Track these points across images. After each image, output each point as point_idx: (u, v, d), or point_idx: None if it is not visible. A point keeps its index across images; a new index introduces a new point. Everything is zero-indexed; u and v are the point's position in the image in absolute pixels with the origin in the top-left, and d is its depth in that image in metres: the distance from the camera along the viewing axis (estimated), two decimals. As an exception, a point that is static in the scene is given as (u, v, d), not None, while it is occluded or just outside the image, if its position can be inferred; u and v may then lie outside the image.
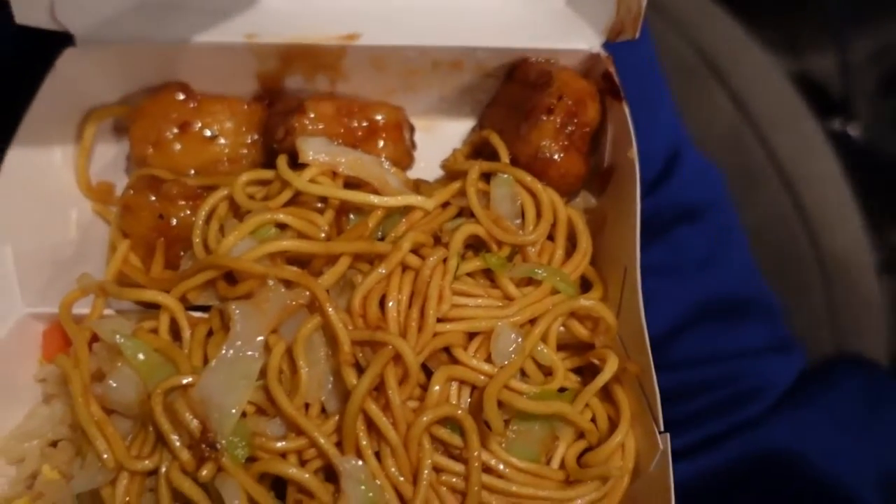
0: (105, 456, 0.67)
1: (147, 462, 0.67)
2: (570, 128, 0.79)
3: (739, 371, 0.97)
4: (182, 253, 0.82)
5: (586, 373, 0.76)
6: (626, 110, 0.79)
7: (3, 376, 0.76)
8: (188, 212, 0.81)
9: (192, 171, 0.87)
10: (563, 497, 0.67)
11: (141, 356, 0.70)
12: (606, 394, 0.74)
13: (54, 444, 0.76)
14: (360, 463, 0.64)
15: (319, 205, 0.78)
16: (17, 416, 0.78)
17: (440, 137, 0.93)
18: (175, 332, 0.74)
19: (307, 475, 0.64)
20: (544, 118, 0.79)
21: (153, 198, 0.81)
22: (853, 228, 1.34)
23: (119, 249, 0.80)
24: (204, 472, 0.63)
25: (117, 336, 0.70)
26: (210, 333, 0.73)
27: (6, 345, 0.77)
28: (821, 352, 1.22)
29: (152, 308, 0.77)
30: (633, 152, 0.76)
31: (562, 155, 0.79)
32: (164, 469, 0.66)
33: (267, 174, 0.81)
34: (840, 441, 0.93)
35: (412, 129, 0.89)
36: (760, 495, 0.87)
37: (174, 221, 0.81)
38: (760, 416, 0.92)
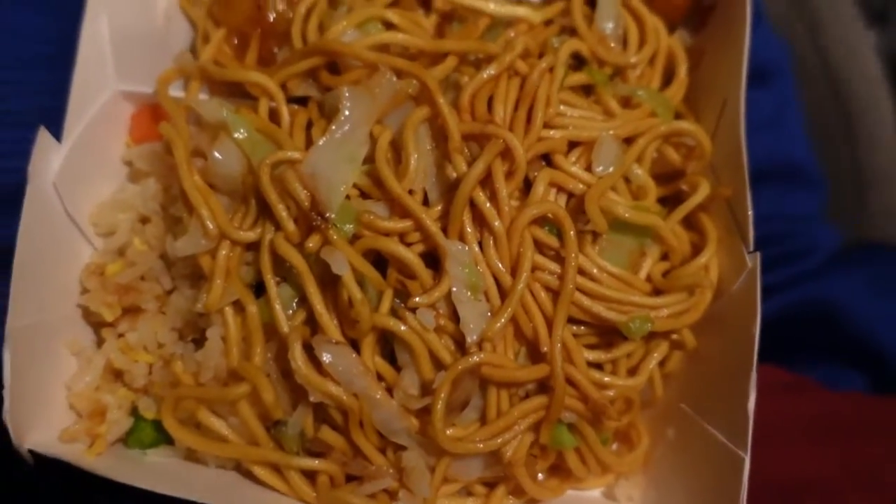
0: (209, 223, 0.68)
1: (250, 233, 0.68)
2: (681, -45, 0.78)
3: (792, 230, 1.00)
4: (276, 49, 0.81)
5: (670, 203, 0.77)
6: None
7: (95, 151, 0.76)
8: (285, 6, 0.80)
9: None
10: (652, 304, 0.69)
11: (244, 132, 0.70)
12: (689, 223, 0.76)
13: (143, 220, 0.77)
14: (465, 247, 0.66)
15: (422, 11, 0.78)
16: (106, 193, 0.78)
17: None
18: (273, 120, 0.74)
19: (412, 255, 0.65)
20: (656, -59, 0.77)
21: (253, -13, 0.79)
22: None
23: (214, 37, 0.79)
24: (311, 244, 0.65)
25: (224, 111, 0.70)
26: (309, 125, 0.73)
27: (98, 119, 0.76)
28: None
29: (247, 99, 0.76)
30: (744, -16, 0.75)
31: (670, -18, 0.78)
32: (268, 238, 0.67)
33: (370, -26, 0.79)
34: (880, 305, 0.97)
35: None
36: (806, 341, 0.92)
37: (272, 14, 0.80)
38: (811, 272, 0.96)
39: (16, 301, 0.65)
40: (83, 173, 0.75)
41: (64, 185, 0.71)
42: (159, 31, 0.85)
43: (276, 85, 0.73)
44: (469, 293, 0.64)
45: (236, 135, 0.69)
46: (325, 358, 0.62)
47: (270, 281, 0.66)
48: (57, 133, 0.71)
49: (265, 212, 0.68)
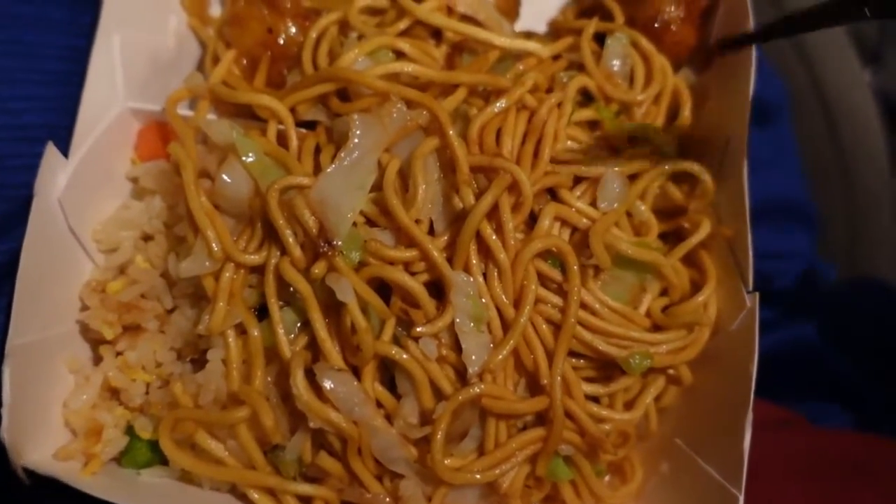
0: (214, 245, 0.68)
1: (255, 256, 0.68)
2: (689, -4, 0.79)
3: (787, 267, 1.02)
4: (285, 72, 0.82)
5: (671, 239, 0.78)
6: (745, -12, 0.79)
7: (101, 167, 0.76)
8: (296, 30, 0.81)
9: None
10: (651, 339, 0.70)
11: (253, 156, 0.70)
12: (690, 260, 0.77)
13: (146, 238, 0.77)
14: (470, 279, 0.66)
15: (432, 41, 0.78)
16: (110, 209, 0.78)
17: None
18: (281, 143, 0.74)
19: (417, 284, 0.66)
20: (667, -17, 0.79)
21: (265, 10, 0.80)
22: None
23: (224, 58, 0.80)
24: (317, 270, 0.65)
25: (234, 132, 0.70)
26: (317, 150, 0.73)
27: (106, 136, 0.76)
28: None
29: (254, 121, 0.77)
30: (751, 28, 0.77)
31: (679, 23, 0.79)
32: (273, 262, 0.67)
33: (382, 2, 0.80)
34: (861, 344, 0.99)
35: (519, -17, 0.89)
36: (796, 376, 0.94)
37: (282, 38, 0.81)
38: (805, 308, 0.98)
39: (17, 318, 0.65)
40: (88, 189, 0.75)
41: (69, 201, 0.72)
42: (169, 50, 0.86)
43: (285, 109, 0.73)
44: (472, 324, 0.64)
45: (245, 158, 0.70)
46: (327, 385, 0.62)
47: (274, 305, 0.66)
48: (65, 149, 0.71)
49: (271, 235, 0.68)
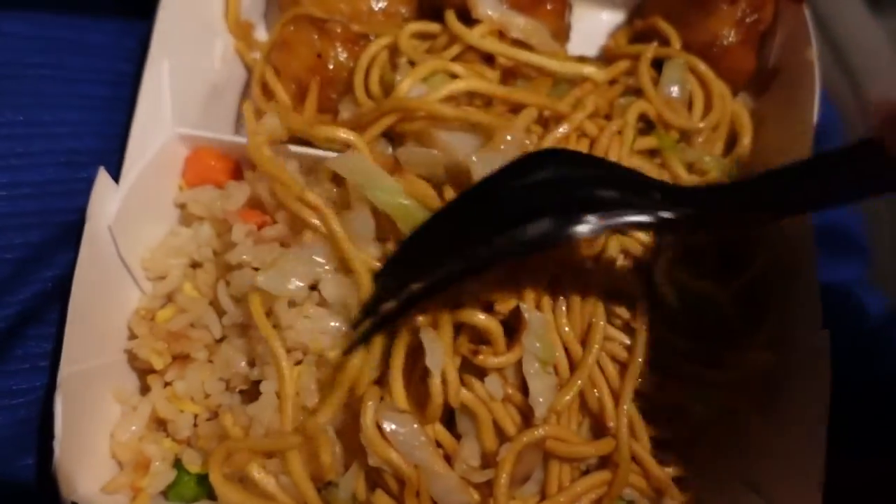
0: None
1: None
2: (749, 20, 0.78)
3: (839, 298, 0.98)
4: (334, 96, 0.81)
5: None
6: (806, 12, 0.77)
7: (150, 194, 0.75)
8: (346, 56, 0.80)
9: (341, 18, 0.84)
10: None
11: (397, 197, 0.67)
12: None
13: (194, 265, 0.76)
14: (544, 317, 0.64)
15: (485, 66, 0.77)
16: (157, 236, 0.77)
17: (586, 25, 0.91)
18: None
19: (494, 322, 0.63)
20: (725, 7, 0.77)
21: (315, 35, 0.79)
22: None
23: (309, 96, 0.78)
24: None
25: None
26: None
27: (155, 162, 0.75)
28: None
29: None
30: (813, 53, 0.75)
31: (737, 48, 0.77)
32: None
33: (433, 27, 0.79)
34: None
35: (570, 7, 0.87)
36: None
37: (331, 63, 0.80)
38: (858, 338, 0.94)
39: (69, 346, 0.63)
40: (137, 216, 0.73)
41: (118, 228, 0.70)
42: (215, 75, 0.85)
43: (364, 143, 0.71)
44: (538, 365, 0.62)
45: (386, 198, 0.66)
46: (388, 426, 0.60)
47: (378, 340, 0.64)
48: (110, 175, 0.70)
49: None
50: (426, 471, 0.60)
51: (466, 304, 0.62)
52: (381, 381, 0.63)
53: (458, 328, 0.64)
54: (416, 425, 0.61)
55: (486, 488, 0.61)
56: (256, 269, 0.69)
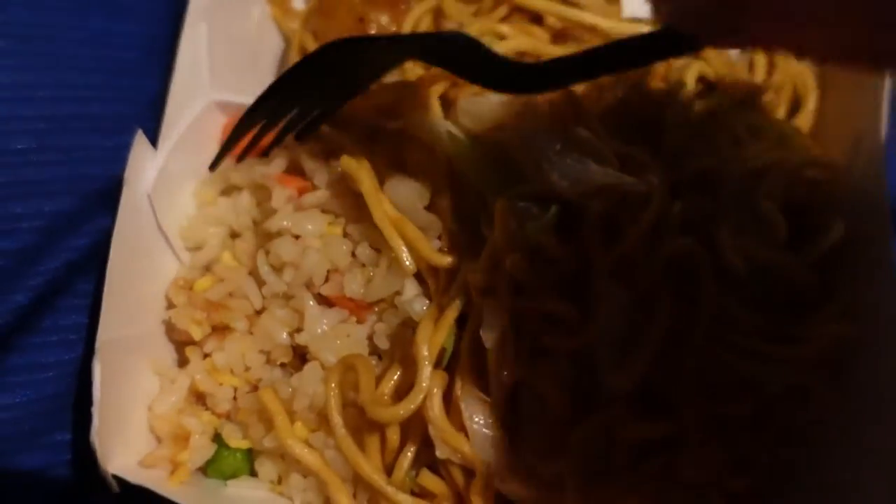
0: (406, 261, 0.62)
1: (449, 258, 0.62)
2: (815, -23, 0.73)
3: None
4: (376, 62, 0.78)
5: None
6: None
7: (187, 162, 0.73)
8: (388, 19, 0.77)
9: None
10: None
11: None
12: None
13: (233, 235, 0.73)
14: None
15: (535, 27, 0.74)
16: (195, 204, 0.75)
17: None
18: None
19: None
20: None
21: (356, -1, 0.76)
22: None
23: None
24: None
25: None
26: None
27: (193, 129, 0.73)
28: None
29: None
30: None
31: (801, 6, 0.73)
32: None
33: (478, -11, 0.76)
34: None
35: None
36: None
37: (373, 28, 0.77)
38: None
39: (107, 313, 0.61)
40: (175, 184, 0.72)
41: (157, 196, 0.68)
42: (252, 41, 0.83)
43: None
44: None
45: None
46: (472, 416, 0.57)
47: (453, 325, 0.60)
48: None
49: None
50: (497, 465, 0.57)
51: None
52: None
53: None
54: (495, 418, 0.57)
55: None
56: (297, 237, 0.67)
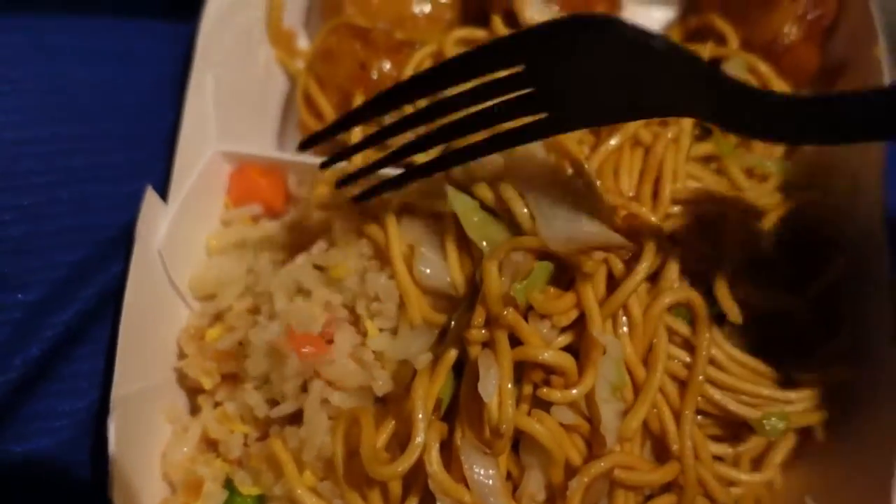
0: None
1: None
2: (811, 16, 0.74)
3: None
4: (378, 107, 0.79)
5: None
6: (873, 5, 0.73)
7: (196, 212, 0.74)
8: (389, 65, 0.78)
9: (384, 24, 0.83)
10: (784, 398, 0.64)
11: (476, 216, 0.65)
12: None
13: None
14: (618, 342, 0.61)
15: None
16: (204, 253, 0.76)
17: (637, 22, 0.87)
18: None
19: (567, 358, 0.60)
20: (786, 2, 0.73)
21: (358, 45, 0.77)
22: None
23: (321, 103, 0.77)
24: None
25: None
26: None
27: (201, 180, 0.75)
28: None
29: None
30: (880, 49, 0.71)
31: (799, 45, 0.74)
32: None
33: (479, 33, 0.77)
34: None
35: (620, 6, 0.84)
36: None
37: (375, 73, 0.78)
38: None
39: (121, 368, 0.63)
40: (185, 236, 0.73)
41: (167, 249, 0.70)
42: (258, 86, 0.84)
43: None
44: (610, 391, 0.59)
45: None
46: (472, 468, 0.57)
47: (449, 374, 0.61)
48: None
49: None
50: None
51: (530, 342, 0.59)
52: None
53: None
54: (496, 471, 0.58)
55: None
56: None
